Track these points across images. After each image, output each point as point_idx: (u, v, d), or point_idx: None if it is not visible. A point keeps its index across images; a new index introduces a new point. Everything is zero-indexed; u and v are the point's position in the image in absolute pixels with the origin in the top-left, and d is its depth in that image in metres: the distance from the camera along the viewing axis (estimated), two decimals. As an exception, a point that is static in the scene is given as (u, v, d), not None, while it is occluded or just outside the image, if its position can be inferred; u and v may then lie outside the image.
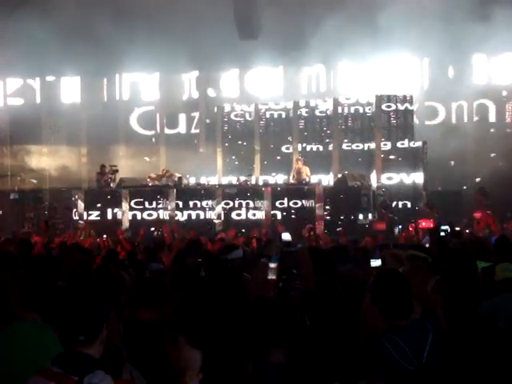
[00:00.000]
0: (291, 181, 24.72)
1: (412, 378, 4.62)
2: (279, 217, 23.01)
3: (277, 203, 23.22)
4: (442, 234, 10.63)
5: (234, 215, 23.46)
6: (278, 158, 27.31)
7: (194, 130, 29.49)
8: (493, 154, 25.42)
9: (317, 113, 27.20)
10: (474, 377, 5.82)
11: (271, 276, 6.06)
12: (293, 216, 22.93)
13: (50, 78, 30.08)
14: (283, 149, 27.37)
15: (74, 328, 3.75)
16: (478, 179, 25.05)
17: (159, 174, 25.21)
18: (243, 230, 21.39)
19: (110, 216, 24.03)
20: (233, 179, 25.87)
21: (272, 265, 6.08)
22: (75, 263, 7.87)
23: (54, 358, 3.75)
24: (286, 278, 5.92)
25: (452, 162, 26.40)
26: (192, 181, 26.39)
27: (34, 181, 28.66)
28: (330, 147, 26.93)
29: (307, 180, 24.28)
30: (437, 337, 4.81)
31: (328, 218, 22.92)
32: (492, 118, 27.29)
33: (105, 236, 18.15)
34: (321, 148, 27.06)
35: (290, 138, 27.30)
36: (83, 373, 3.60)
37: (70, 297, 3.89)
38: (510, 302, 6.46)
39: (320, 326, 5.36)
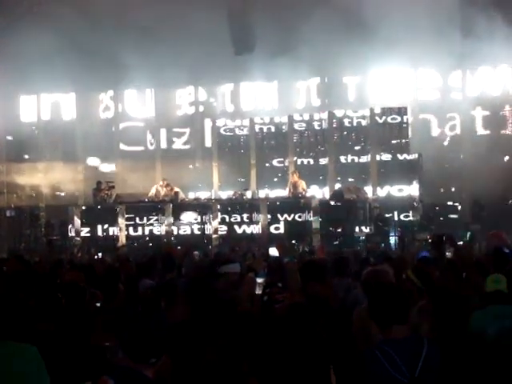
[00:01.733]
0: (287, 194, 24.74)
1: None
2: (275, 230, 23.04)
3: (273, 217, 23.25)
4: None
5: (230, 229, 23.48)
6: (274, 172, 27.33)
7: (189, 145, 29.49)
8: (487, 165, 25.35)
9: (312, 126, 27.23)
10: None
11: (259, 291, 6.08)
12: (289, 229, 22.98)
13: (45, 95, 30.09)
14: (279, 163, 27.40)
15: (148, 351, 3.70)
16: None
17: (159, 185, 25.23)
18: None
19: (106, 232, 24.04)
20: (229, 193, 25.83)
21: (259, 280, 6.10)
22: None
23: (109, 370, 3.70)
24: (270, 291, 5.93)
25: (448, 174, 26.42)
26: (190, 196, 26.40)
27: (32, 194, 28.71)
28: (326, 160, 26.95)
29: (303, 194, 24.29)
30: (432, 351, 4.79)
31: (324, 231, 22.92)
32: (486, 129, 27.29)
33: (100, 254, 18.17)
34: (316, 161, 27.08)
35: (285, 152, 27.31)
36: None
37: (146, 321, 3.83)
38: (500, 314, 6.48)
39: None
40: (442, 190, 26.01)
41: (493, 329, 6.34)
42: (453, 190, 26.23)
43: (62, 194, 28.45)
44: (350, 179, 26.22)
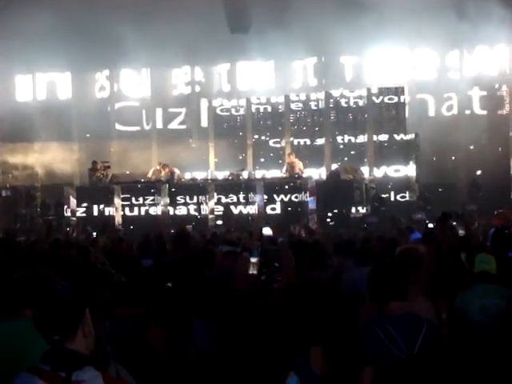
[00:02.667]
0: (284, 175, 24.70)
1: (402, 366, 4.67)
2: (271, 211, 23.03)
3: (269, 197, 23.21)
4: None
5: (226, 210, 23.45)
6: (270, 152, 27.30)
7: (185, 125, 29.39)
8: (484, 145, 25.32)
9: (308, 106, 27.16)
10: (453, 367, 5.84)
11: (252, 270, 6.06)
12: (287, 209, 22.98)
13: (40, 75, 29.95)
14: (275, 143, 27.34)
15: (46, 328, 3.68)
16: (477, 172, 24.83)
17: (156, 168, 25.19)
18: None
19: (102, 212, 24.00)
20: (225, 174, 25.75)
21: (253, 259, 6.08)
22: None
23: (42, 355, 3.68)
24: (268, 271, 5.90)
25: (444, 154, 26.40)
26: (186, 176, 26.35)
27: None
28: (322, 141, 26.91)
29: (300, 174, 24.25)
30: (431, 331, 4.83)
31: (320, 211, 22.91)
32: (483, 109, 27.22)
33: (94, 234, 18.15)
34: (313, 141, 27.03)
35: (281, 132, 27.25)
36: (70, 369, 3.55)
37: (41, 297, 3.81)
38: (483, 293, 6.53)
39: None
40: (438, 171, 25.91)
41: (475, 306, 6.42)
42: (449, 170, 26.17)
43: (58, 173, 28.32)
44: (346, 159, 26.21)
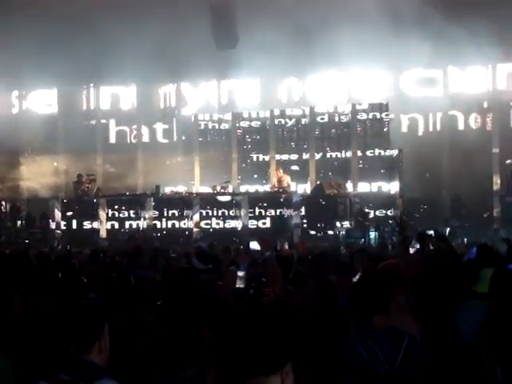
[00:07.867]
0: (270, 189, 24.83)
1: (383, 381, 4.64)
2: (256, 225, 23.09)
3: (254, 212, 23.28)
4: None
5: (212, 224, 23.50)
6: (256, 167, 27.40)
7: (171, 140, 29.45)
8: (467, 162, 25.48)
9: (293, 122, 27.33)
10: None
11: (239, 284, 6.14)
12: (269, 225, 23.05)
13: (27, 89, 29.98)
14: (260, 158, 27.46)
15: (64, 339, 3.73)
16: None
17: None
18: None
19: (87, 225, 24.02)
20: (211, 187, 25.78)
21: (240, 273, 6.15)
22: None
23: (60, 365, 3.71)
24: (256, 285, 5.96)
25: (428, 170, 26.57)
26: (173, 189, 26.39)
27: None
28: (307, 156, 27.05)
29: (287, 188, 24.36)
30: (412, 345, 4.80)
31: (305, 226, 23.01)
32: (466, 126, 27.45)
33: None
34: (298, 157, 27.17)
35: (266, 147, 27.38)
36: (91, 379, 3.57)
37: (57, 312, 3.88)
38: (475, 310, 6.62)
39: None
40: (422, 186, 26.08)
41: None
42: (433, 186, 26.34)
43: (43, 186, 28.29)
44: (330, 174, 26.36)
